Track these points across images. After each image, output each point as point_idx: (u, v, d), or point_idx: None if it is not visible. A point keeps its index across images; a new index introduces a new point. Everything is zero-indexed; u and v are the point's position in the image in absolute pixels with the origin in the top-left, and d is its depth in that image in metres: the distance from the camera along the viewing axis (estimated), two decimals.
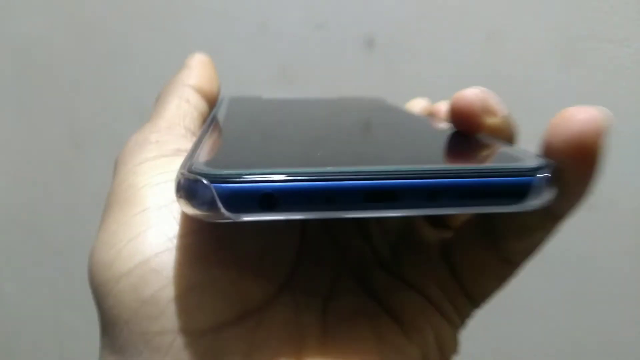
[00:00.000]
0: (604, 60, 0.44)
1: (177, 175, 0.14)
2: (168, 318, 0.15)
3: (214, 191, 0.13)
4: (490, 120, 0.18)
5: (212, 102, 0.22)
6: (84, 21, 0.61)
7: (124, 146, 0.19)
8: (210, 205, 0.13)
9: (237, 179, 0.13)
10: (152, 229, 0.15)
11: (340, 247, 0.21)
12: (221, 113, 0.22)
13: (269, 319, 0.16)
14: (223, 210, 0.13)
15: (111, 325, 0.15)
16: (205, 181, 0.13)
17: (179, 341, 0.14)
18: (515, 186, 0.14)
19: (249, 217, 0.13)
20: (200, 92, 0.21)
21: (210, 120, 0.21)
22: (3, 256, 0.76)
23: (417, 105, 0.26)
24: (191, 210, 0.13)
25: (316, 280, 0.19)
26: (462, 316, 0.19)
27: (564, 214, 0.16)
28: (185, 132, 0.19)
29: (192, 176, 0.13)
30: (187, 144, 0.18)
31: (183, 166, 0.14)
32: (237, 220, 0.13)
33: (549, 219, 0.16)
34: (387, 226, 0.21)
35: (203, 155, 0.15)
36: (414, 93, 0.51)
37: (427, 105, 0.25)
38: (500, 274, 0.18)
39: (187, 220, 0.16)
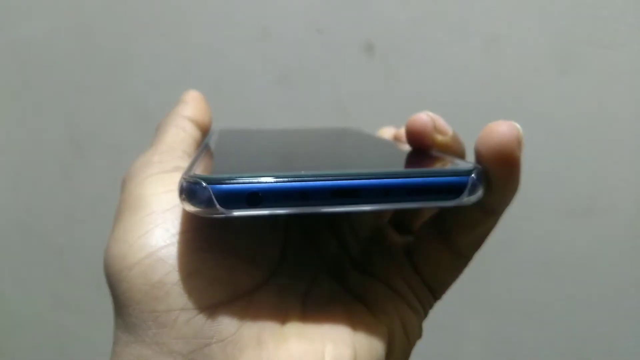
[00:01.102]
0: (602, 66, 0.45)
1: (180, 181, 0.17)
2: (173, 298, 0.18)
3: (210, 191, 0.16)
4: (441, 138, 0.22)
5: (205, 131, 0.26)
6: (86, 25, 0.61)
7: (130, 167, 0.22)
8: (208, 203, 0.16)
9: (229, 181, 0.16)
10: (158, 227, 0.19)
11: (318, 250, 0.24)
12: (213, 140, 0.26)
13: (257, 301, 0.19)
14: (218, 206, 0.16)
15: (124, 307, 0.18)
16: (203, 183, 0.16)
17: (181, 317, 0.18)
18: (453, 184, 0.17)
19: (239, 212, 0.16)
20: (194, 122, 0.25)
21: (203, 145, 0.24)
22: (3, 258, 0.77)
23: (387, 132, 0.30)
24: (192, 208, 0.16)
25: (297, 276, 0.22)
26: (425, 306, 0.22)
27: (498, 210, 0.20)
28: (183, 155, 0.23)
29: (193, 179, 0.16)
30: (185, 163, 0.22)
31: (184, 175, 0.17)
32: (229, 215, 0.16)
33: (485, 215, 0.20)
34: (359, 232, 0.25)
35: (200, 167, 0.18)
36: (412, 97, 0.51)
37: (395, 131, 0.29)
38: (453, 267, 0.22)
39: (187, 218, 0.19)
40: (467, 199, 0.18)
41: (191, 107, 0.25)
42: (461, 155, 0.23)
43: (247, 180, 0.16)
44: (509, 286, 0.50)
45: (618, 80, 0.45)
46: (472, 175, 0.18)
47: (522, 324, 0.52)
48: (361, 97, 0.53)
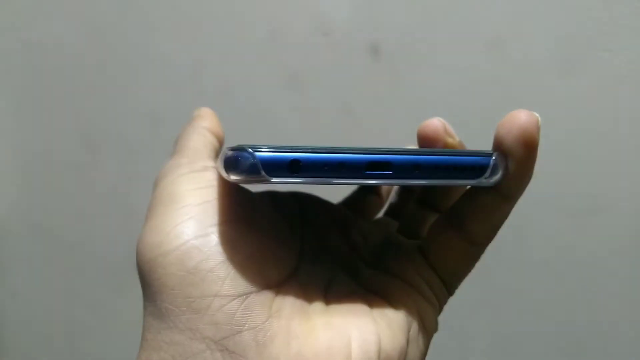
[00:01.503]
0: (603, 68, 0.45)
1: (223, 151, 0.18)
2: (207, 285, 0.18)
3: (255, 157, 0.17)
4: (451, 141, 0.23)
5: (220, 144, 0.27)
6: (99, 27, 0.63)
7: (160, 171, 0.23)
8: (252, 169, 0.17)
9: (273, 149, 0.18)
10: (193, 218, 0.20)
11: (331, 252, 0.25)
12: None
13: (284, 293, 0.20)
14: (262, 172, 0.17)
15: (158, 293, 0.19)
16: (250, 150, 0.17)
17: (215, 304, 0.18)
18: (476, 163, 0.19)
19: (280, 179, 0.18)
20: (213, 133, 0.26)
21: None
22: (16, 254, 0.78)
23: None
24: (235, 176, 0.18)
25: (316, 274, 0.23)
26: (440, 300, 0.23)
27: (514, 195, 0.21)
28: (208, 158, 0.24)
29: (238, 147, 0.18)
30: (212, 164, 0.23)
31: (226, 148, 0.18)
32: (270, 181, 0.18)
33: (502, 199, 0.21)
34: (368, 239, 0.26)
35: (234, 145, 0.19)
36: (417, 99, 0.52)
37: None
38: (468, 256, 0.22)
39: (221, 211, 0.20)
40: (487, 180, 0.19)
41: (208, 120, 0.26)
42: None
43: (289, 149, 0.18)
44: (513, 285, 0.51)
45: (620, 82, 0.45)
46: (493, 157, 0.19)
47: (525, 322, 0.52)
48: (367, 99, 0.53)
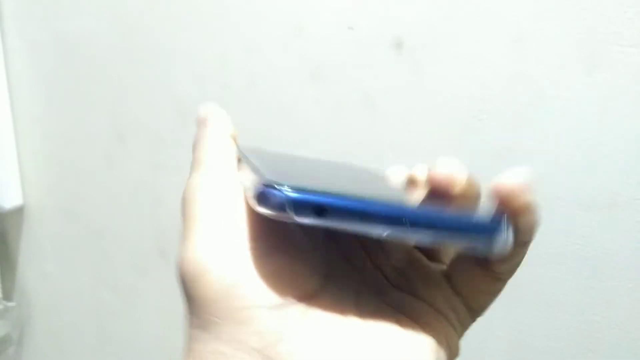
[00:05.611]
0: (628, 64, 0.45)
1: (256, 185, 0.19)
2: (247, 297, 0.19)
3: (284, 197, 0.18)
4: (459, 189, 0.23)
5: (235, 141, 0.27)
6: (129, 22, 0.64)
7: (188, 186, 0.23)
8: (280, 207, 0.18)
9: (302, 191, 0.19)
10: (229, 234, 0.21)
11: (357, 269, 0.25)
12: (249, 153, 0.26)
13: (316, 305, 0.21)
14: (289, 212, 0.18)
15: (202, 306, 0.20)
16: (281, 188, 0.18)
17: (256, 314, 0.19)
18: (487, 238, 0.20)
19: (306, 220, 0.18)
20: (229, 135, 0.26)
21: (244, 156, 0.25)
22: (49, 239, 0.81)
23: (398, 173, 0.29)
24: (264, 210, 0.19)
25: (344, 289, 0.23)
26: (463, 325, 0.24)
27: (528, 241, 0.22)
28: (232, 167, 0.24)
29: (270, 184, 0.19)
30: (236, 173, 0.23)
31: (257, 179, 0.19)
32: (295, 221, 0.18)
33: (519, 247, 0.21)
34: (391, 258, 0.26)
35: (269, 173, 0.20)
36: (440, 93, 0.52)
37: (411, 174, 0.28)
38: (492, 290, 0.23)
39: (258, 227, 0.21)
40: (497, 252, 0.20)
41: (220, 122, 0.26)
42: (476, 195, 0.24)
43: (318, 192, 0.19)
44: (529, 279, 0.51)
45: None
46: (502, 231, 0.20)
47: (540, 316, 0.52)
48: (390, 93, 0.54)
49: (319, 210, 0.18)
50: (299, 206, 0.18)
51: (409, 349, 0.20)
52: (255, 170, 0.21)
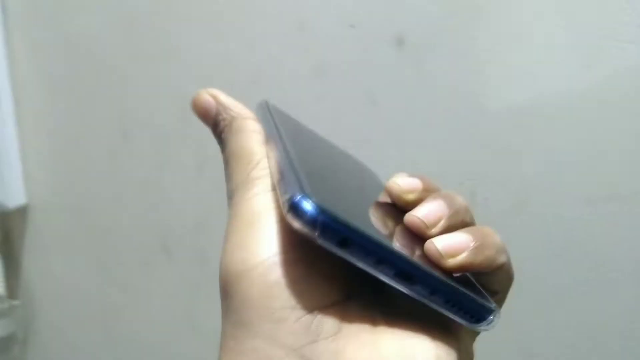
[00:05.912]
0: (626, 61, 0.45)
1: (290, 196, 0.19)
2: (286, 298, 0.20)
3: (316, 217, 0.19)
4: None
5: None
6: (133, 21, 0.65)
7: (232, 186, 0.24)
8: (310, 225, 0.19)
9: (334, 218, 0.19)
10: (272, 236, 0.21)
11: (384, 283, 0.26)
12: (277, 130, 0.27)
13: (348, 310, 0.22)
14: (315, 232, 0.19)
15: (242, 305, 0.21)
16: (313, 210, 0.19)
17: (293, 315, 0.20)
18: (481, 316, 0.22)
19: (327, 244, 0.19)
20: (254, 121, 0.27)
21: (276, 139, 0.25)
22: (55, 236, 0.82)
23: (406, 181, 0.28)
24: (294, 223, 0.19)
25: (370, 295, 0.24)
26: (474, 333, 0.25)
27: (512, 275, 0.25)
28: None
29: (309, 196, 0.19)
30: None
31: (293, 191, 0.19)
32: (318, 242, 0.19)
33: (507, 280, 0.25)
34: None
35: (304, 183, 0.20)
36: (441, 90, 0.53)
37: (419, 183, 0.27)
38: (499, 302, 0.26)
39: (296, 234, 0.21)
40: (485, 327, 0.22)
41: (244, 113, 0.28)
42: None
43: (348, 225, 0.19)
44: (530, 273, 0.51)
45: None
46: (495, 313, 0.22)
47: (541, 310, 0.53)
48: (391, 90, 0.54)
49: (344, 242, 0.19)
50: (326, 230, 0.19)
51: (438, 352, 0.21)
52: (295, 177, 0.21)
